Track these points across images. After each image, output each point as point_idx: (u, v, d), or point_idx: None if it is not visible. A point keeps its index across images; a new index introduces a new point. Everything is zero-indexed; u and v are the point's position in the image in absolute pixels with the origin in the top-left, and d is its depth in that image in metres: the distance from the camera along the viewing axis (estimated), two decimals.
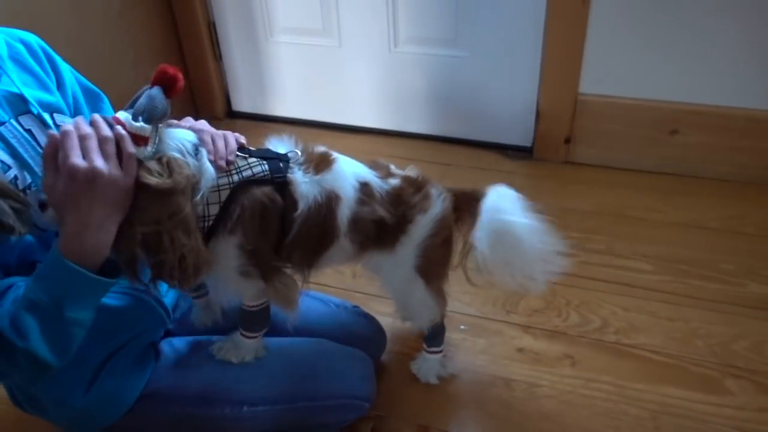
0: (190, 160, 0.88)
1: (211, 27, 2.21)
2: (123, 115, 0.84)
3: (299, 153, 1.01)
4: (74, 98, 1.04)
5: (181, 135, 0.89)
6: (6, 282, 0.86)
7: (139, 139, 0.83)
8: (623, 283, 1.54)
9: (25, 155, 0.89)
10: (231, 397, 1.08)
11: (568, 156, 2.01)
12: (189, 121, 0.97)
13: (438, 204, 1.09)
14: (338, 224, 1.01)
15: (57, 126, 0.94)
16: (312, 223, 0.98)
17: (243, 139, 0.99)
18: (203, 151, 0.90)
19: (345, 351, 1.20)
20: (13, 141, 0.88)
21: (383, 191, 1.05)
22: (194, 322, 1.20)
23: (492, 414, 1.26)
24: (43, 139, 0.92)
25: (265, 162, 0.96)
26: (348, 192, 1.01)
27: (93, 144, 0.80)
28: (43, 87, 0.98)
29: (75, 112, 1.04)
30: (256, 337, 1.11)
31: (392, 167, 1.11)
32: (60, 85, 1.02)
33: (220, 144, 0.93)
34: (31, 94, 0.94)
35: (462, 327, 1.45)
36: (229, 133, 0.97)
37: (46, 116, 0.93)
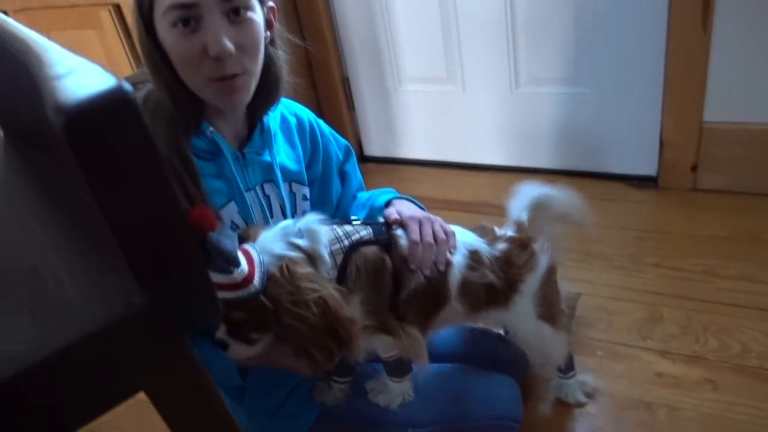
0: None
1: (345, 82, 2.44)
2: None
3: None
4: (324, 168, 1.20)
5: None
6: None
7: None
8: (762, 308, 1.55)
9: (255, 221, 1.06)
10: (397, 420, 1.20)
11: (696, 183, 2.02)
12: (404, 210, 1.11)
13: (544, 259, 1.20)
14: (449, 287, 1.10)
15: (292, 193, 1.12)
16: (425, 282, 1.07)
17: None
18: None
19: (494, 375, 1.31)
20: (251, 207, 1.05)
21: (492, 257, 1.14)
22: (315, 395, 1.22)
23: None
24: (276, 207, 1.09)
25: (368, 226, 1.06)
26: (458, 259, 1.11)
27: None
28: (296, 160, 1.14)
29: (322, 180, 1.21)
30: (401, 381, 1.18)
31: (497, 229, 1.21)
32: (313, 159, 1.18)
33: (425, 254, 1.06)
34: (283, 165, 1.09)
35: (599, 353, 1.52)
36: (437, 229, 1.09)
37: (284, 186, 1.09)
